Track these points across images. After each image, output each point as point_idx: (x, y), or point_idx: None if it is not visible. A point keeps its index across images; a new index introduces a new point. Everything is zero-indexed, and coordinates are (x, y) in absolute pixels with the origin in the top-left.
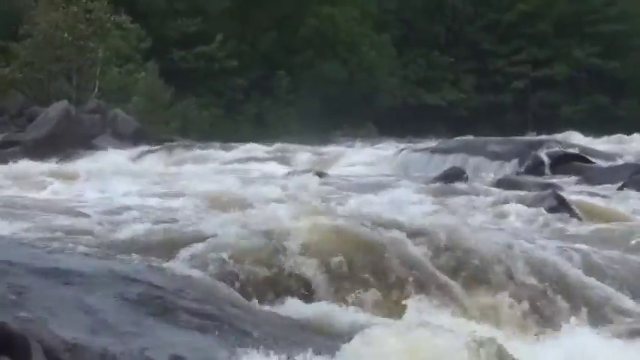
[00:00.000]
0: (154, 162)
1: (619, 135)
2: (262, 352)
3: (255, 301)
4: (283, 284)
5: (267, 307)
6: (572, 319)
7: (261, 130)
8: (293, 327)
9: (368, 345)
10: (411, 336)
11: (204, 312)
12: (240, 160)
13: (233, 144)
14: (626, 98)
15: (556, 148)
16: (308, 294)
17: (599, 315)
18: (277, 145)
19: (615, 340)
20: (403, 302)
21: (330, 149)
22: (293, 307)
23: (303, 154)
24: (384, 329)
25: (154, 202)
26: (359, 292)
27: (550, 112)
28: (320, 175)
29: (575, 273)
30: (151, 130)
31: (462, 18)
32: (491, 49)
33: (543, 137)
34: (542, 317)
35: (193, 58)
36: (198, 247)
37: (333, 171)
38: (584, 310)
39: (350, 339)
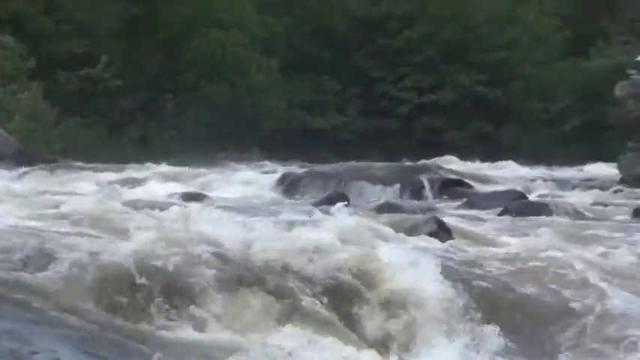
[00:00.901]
0: (35, 182)
1: (502, 162)
2: None
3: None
4: (170, 307)
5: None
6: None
7: (146, 152)
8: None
9: None
10: None
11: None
12: (123, 182)
13: (117, 165)
14: (508, 125)
15: (438, 174)
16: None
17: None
18: (161, 167)
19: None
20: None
21: (214, 171)
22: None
23: (186, 177)
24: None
25: (29, 223)
26: (238, 315)
27: (434, 138)
28: (202, 197)
29: (448, 298)
30: (33, 151)
31: (350, 44)
32: (378, 74)
33: (426, 162)
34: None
35: (79, 80)
36: (77, 270)
37: (216, 194)
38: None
39: None
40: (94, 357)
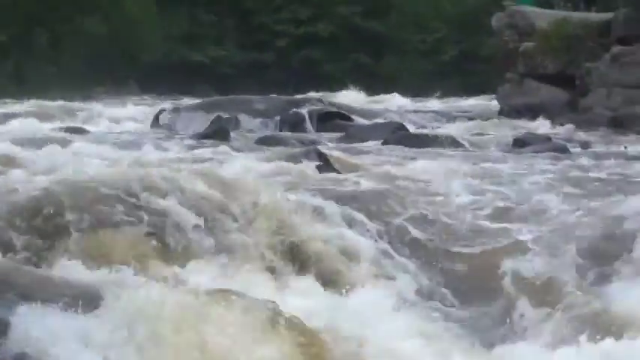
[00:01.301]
0: None
1: (383, 95)
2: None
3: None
4: (55, 244)
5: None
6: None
7: (21, 88)
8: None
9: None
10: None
11: None
12: (1, 117)
13: None
14: (386, 57)
15: (318, 106)
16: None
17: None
18: (38, 102)
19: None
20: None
21: (92, 106)
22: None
23: (65, 112)
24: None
25: None
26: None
27: (313, 70)
28: (84, 132)
29: (332, 229)
30: None
31: None
32: (254, 5)
33: (306, 95)
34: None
35: None
36: None
37: (95, 128)
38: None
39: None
40: None
